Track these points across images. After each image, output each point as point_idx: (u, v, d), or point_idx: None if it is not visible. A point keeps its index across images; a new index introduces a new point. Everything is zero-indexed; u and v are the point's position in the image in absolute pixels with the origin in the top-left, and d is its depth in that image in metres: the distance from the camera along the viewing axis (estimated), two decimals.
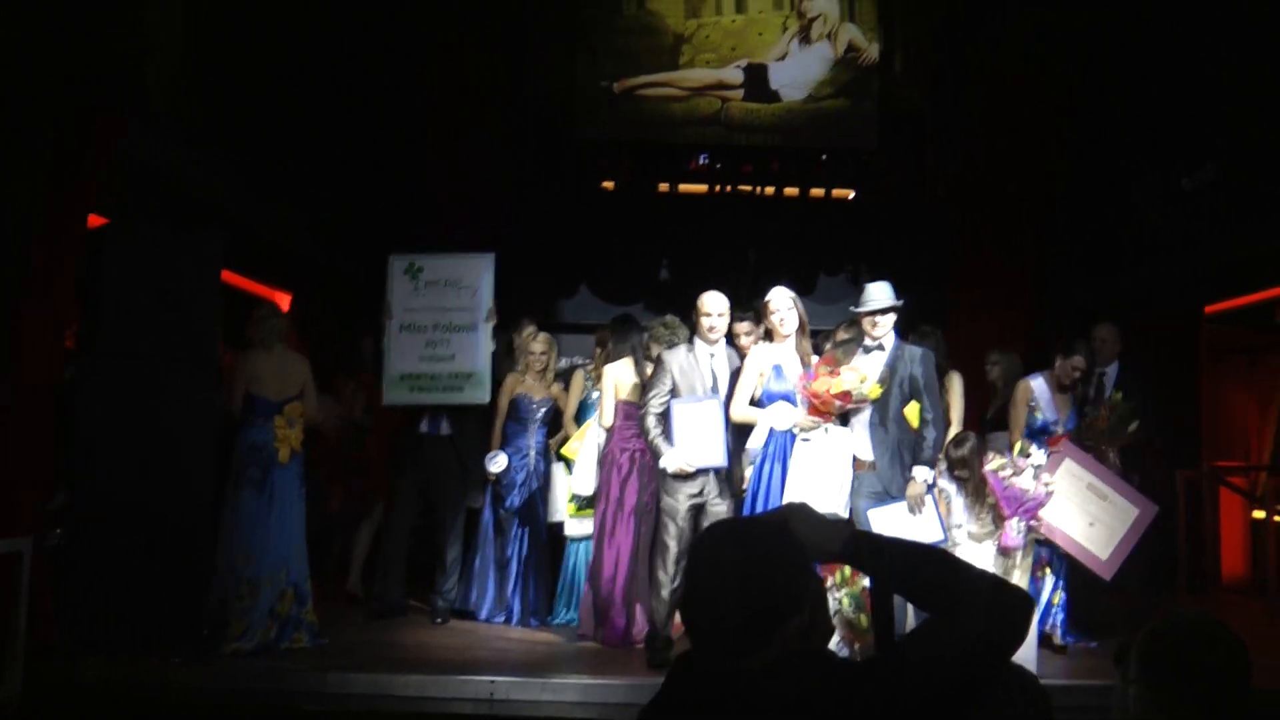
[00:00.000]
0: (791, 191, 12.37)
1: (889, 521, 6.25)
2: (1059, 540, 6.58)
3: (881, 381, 6.25)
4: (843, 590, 6.31)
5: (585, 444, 7.44)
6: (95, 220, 6.31)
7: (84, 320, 6.17)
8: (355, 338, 8.73)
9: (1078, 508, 6.52)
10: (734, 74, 12.03)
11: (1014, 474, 6.60)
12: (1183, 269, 8.66)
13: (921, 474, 6.21)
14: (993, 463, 6.66)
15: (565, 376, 8.15)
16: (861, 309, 6.35)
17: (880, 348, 6.35)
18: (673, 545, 6.33)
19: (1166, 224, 8.81)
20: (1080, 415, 7.08)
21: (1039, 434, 6.96)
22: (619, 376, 7.14)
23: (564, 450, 7.63)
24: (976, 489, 6.72)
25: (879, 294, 6.34)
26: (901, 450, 6.26)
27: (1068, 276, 10.25)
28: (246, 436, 6.84)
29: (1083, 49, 9.90)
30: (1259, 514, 9.47)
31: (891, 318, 6.36)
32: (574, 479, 7.45)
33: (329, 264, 9.80)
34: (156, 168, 6.46)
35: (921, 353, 6.36)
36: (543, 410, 7.72)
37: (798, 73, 12.03)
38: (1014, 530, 6.57)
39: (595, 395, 7.63)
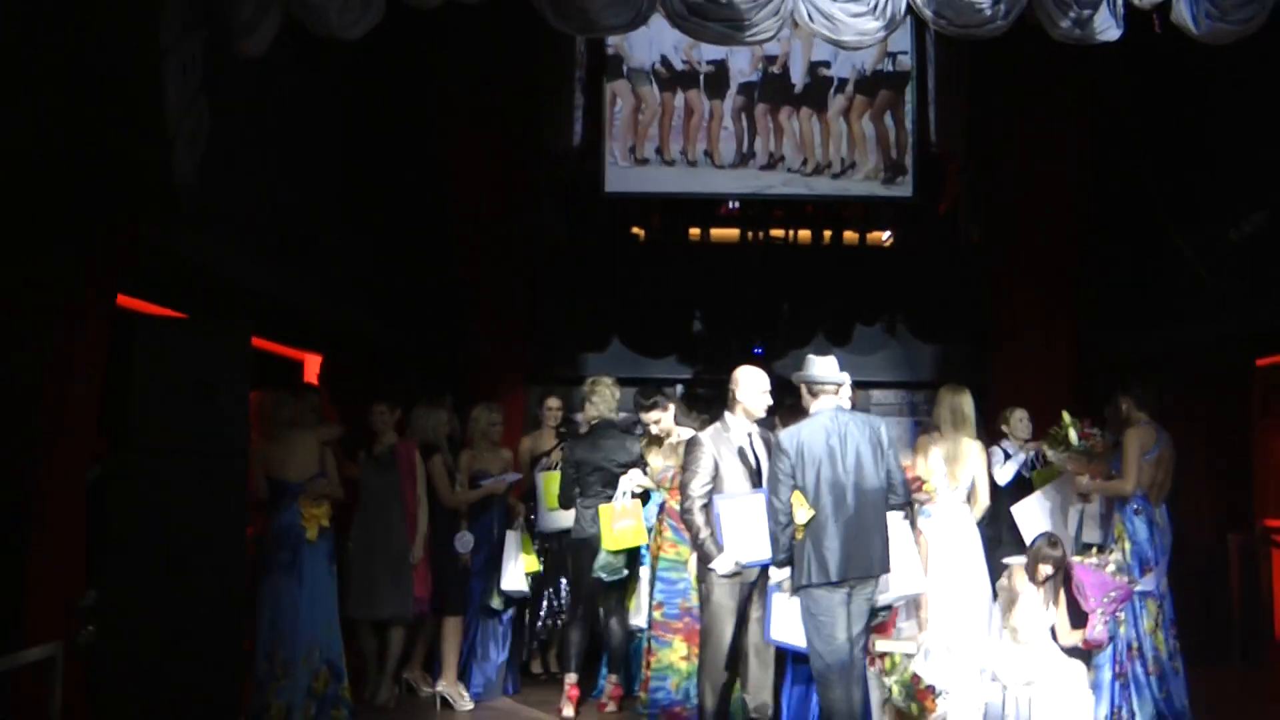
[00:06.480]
0: (825, 235, 12.25)
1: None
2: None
3: None
4: (892, 677, 6.20)
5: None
6: (124, 300, 6.25)
7: (113, 415, 6.06)
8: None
9: None
10: None
11: (1099, 566, 6.58)
12: (1234, 323, 8.37)
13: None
14: (1076, 556, 6.69)
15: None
16: None
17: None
18: (727, 637, 6.05)
19: (1213, 276, 8.53)
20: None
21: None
22: None
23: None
24: (1055, 588, 6.60)
25: None
26: None
27: (1105, 329, 10.03)
28: (275, 520, 6.96)
29: (1119, 96, 9.70)
30: None
31: None
32: None
33: (358, 326, 9.74)
34: (183, 257, 6.38)
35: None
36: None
37: None
38: (1099, 624, 6.48)
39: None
